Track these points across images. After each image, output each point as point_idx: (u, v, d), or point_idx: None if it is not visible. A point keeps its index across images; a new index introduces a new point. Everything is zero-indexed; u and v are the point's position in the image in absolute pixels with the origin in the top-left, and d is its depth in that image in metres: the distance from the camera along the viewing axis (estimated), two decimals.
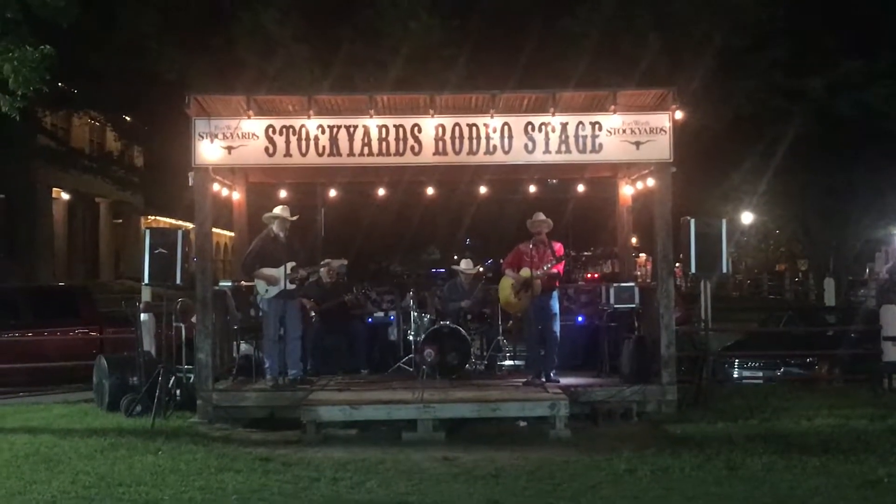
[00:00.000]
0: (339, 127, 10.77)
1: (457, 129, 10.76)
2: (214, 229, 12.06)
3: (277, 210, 11.32)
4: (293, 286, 11.08)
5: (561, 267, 11.36)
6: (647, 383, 10.73)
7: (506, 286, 11.52)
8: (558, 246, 11.30)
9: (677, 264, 14.08)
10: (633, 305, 11.67)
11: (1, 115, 12.84)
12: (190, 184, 10.89)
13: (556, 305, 11.32)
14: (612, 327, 11.85)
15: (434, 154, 10.79)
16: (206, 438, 9.56)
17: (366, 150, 10.76)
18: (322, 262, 11.97)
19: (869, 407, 10.79)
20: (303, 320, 11.50)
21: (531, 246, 11.21)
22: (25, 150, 26.94)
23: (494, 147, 10.77)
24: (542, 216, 11.34)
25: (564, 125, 10.77)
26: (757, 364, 14.61)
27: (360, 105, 10.90)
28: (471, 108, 11.05)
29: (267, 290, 10.98)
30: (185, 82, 18.43)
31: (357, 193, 14.28)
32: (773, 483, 7.54)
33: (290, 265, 10.99)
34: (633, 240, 15.79)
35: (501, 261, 12.52)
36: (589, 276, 34.21)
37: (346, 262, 12.11)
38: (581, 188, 13.51)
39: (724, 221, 11.39)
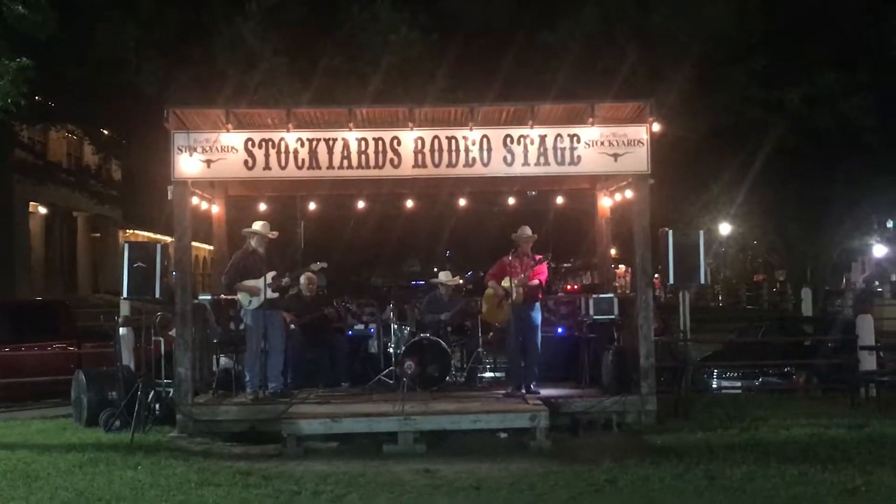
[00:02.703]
0: (318, 140, 10.78)
1: (436, 141, 10.79)
2: (193, 243, 12.02)
3: (257, 226, 11.32)
4: (275, 295, 11.08)
5: (544, 273, 11.37)
6: (626, 394, 10.76)
7: (489, 297, 11.55)
8: (540, 258, 11.34)
9: (656, 275, 14.14)
10: (613, 316, 11.72)
11: None
12: (169, 197, 10.85)
13: (537, 317, 11.34)
14: (592, 338, 11.89)
15: (413, 167, 10.81)
16: (186, 453, 9.50)
17: (345, 162, 10.76)
18: (303, 269, 12.00)
19: (846, 416, 10.88)
20: (285, 333, 11.48)
21: (511, 258, 11.27)
22: (2, 163, 26.76)
23: (473, 160, 10.80)
24: (528, 231, 11.39)
25: (543, 138, 10.82)
26: (735, 374, 14.69)
27: (340, 118, 10.92)
28: (450, 120, 11.09)
29: (250, 302, 10.97)
30: (164, 96, 18.42)
31: (337, 206, 14.29)
32: (753, 492, 7.59)
33: (270, 275, 10.99)
34: (612, 251, 15.88)
35: (482, 273, 12.56)
36: (568, 287, 34.27)
37: (325, 264, 12.08)
38: (560, 200, 13.59)
39: (701, 232, 11.47)
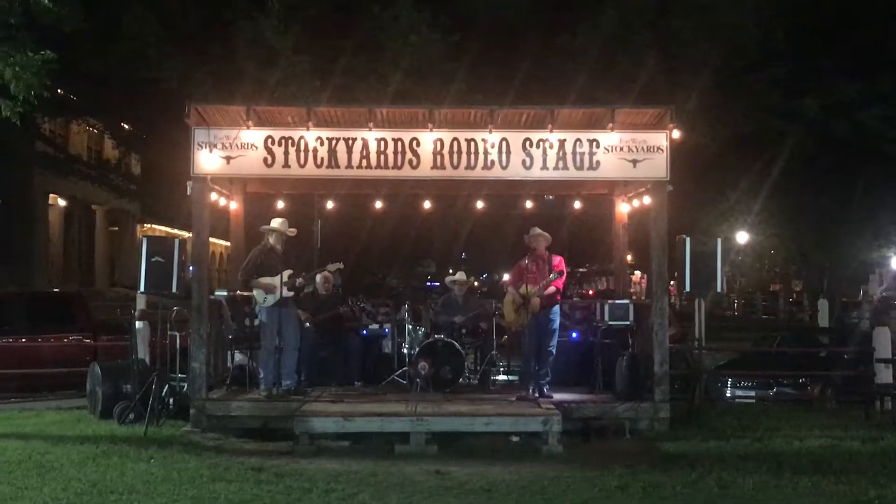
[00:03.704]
0: (337, 139, 10.80)
1: (455, 143, 10.79)
2: (211, 238, 12.06)
3: (275, 223, 11.35)
4: (291, 293, 11.11)
5: (560, 282, 11.36)
6: (640, 400, 10.73)
7: (508, 302, 11.53)
8: (558, 260, 11.29)
9: (672, 282, 14.10)
10: (628, 323, 11.68)
11: (0, 121, 12.86)
12: (188, 193, 10.90)
13: (556, 321, 11.30)
14: (607, 344, 11.85)
15: (432, 168, 10.82)
16: (199, 447, 9.55)
17: (364, 162, 10.78)
18: (319, 269, 12.04)
19: (861, 428, 10.82)
20: (300, 331, 11.50)
21: (527, 261, 11.26)
22: (23, 156, 26.96)
23: (492, 162, 10.80)
24: (537, 230, 11.37)
25: (562, 142, 10.81)
26: (750, 384, 14.61)
27: (360, 118, 10.94)
28: (469, 122, 11.10)
29: (265, 299, 11.00)
30: (185, 91, 18.48)
31: (354, 206, 14.31)
32: (765, 502, 7.56)
33: (286, 273, 11.02)
34: (629, 257, 15.85)
35: (497, 276, 12.54)
36: (584, 292, 34.24)
37: (341, 265, 12.12)
38: (578, 205, 13.54)
39: (719, 240, 11.43)
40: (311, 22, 20.74)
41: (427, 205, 13.66)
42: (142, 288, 11.07)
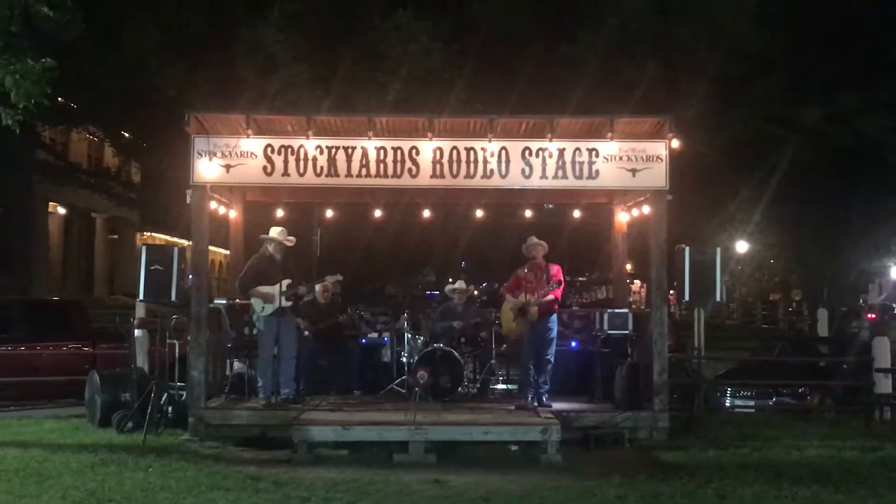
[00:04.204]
0: (337, 148, 10.80)
1: (454, 152, 10.79)
2: (210, 247, 12.05)
3: (274, 232, 11.35)
4: (289, 303, 11.10)
5: (559, 291, 11.35)
6: (639, 410, 10.72)
7: (506, 310, 11.53)
8: (556, 269, 11.28)
9: (671, 292, 14.10)
10: (627, 332, 11.67)
11: (0, 128, 12.87)
12: (187, 201, 10.89)
13: (554, 329, 11.28)
14: (606, 353, 11.83)
15: (431, 177, 10.81)
16: (197, 456, 9.53)
17: (363, 171, 10.79)
18: (317, 280, 12.03)
19: (860, 438, 10.80)
20: (298, 340, 11.49)
21: (526, 270, 11.25)
22: (23, 163, 26.93)
23: (491, 171, 10.80)
24: (535, 239, 11.36)
25: (562, 151, 10.81)
26: (749, 393, 14.61)
27: (359, 126, 10.95)
28: (469, 131, 11.10)
29: (263, 308, 10.99)
30: (185, 99, 18.50)
31: (354, 214, 14.31)
32: None
33: (285, 282, 11.01)
34: (628, 266, 15.84)
35: (496, 284, 12.54)
36: (583, 301, 34.21)
37: (340, 277, 12.12)
38: (577, 214, 13.53)
39: (718, 250, 11.42)
40: (311, 30, 20.78)
41: (426, 213, 13.65)
42: (141, 296, 11.05)
